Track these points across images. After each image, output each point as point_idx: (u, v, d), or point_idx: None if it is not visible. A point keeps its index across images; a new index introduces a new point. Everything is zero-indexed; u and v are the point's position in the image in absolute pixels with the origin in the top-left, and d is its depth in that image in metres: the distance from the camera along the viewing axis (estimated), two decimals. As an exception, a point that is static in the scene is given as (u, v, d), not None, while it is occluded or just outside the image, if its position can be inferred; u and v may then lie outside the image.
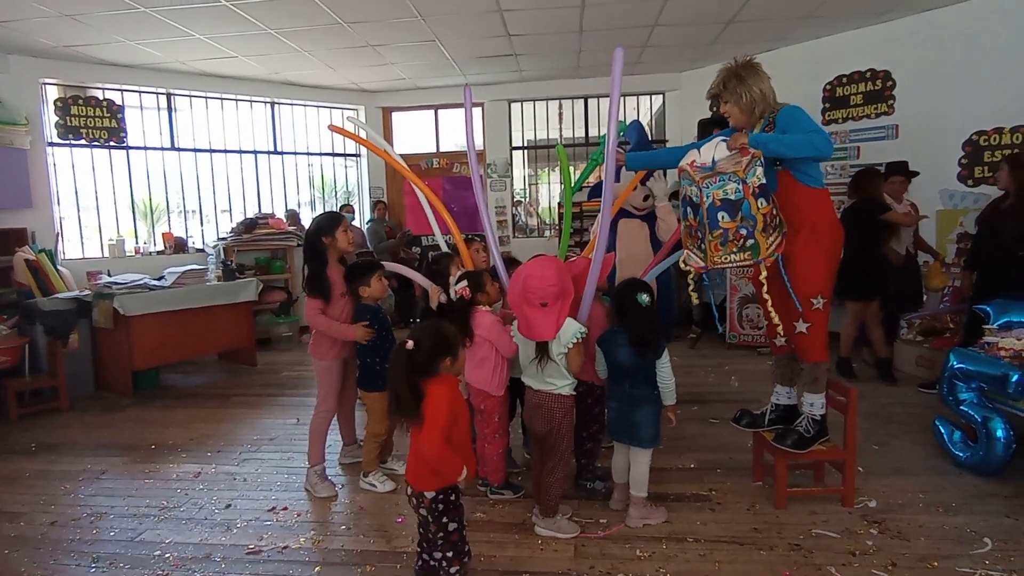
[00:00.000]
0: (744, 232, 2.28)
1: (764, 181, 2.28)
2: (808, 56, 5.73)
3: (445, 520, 1.92)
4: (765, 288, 2.42)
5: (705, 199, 2.29)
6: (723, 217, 2.28)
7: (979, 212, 4.14)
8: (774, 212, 2.35)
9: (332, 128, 3.48)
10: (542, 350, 2.41)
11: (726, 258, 2.32)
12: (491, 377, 2.69)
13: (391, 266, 3.30)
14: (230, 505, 2.87)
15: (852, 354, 4.59)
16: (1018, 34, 4.50)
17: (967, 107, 4.80)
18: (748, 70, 2.47)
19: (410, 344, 1.87)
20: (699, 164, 2.38)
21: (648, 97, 7.42)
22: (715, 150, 2.38)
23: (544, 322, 2.38)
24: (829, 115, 5.68)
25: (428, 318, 2.82)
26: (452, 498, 1.93)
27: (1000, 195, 3.88)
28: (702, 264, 2.40)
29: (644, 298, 2.45)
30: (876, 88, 5.37)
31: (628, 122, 3.95)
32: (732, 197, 2.26)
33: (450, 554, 1.93)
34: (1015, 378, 2.76)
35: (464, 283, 2.63)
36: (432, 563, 1.98)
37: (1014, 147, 4.55)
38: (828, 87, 5.68)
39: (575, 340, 2.38)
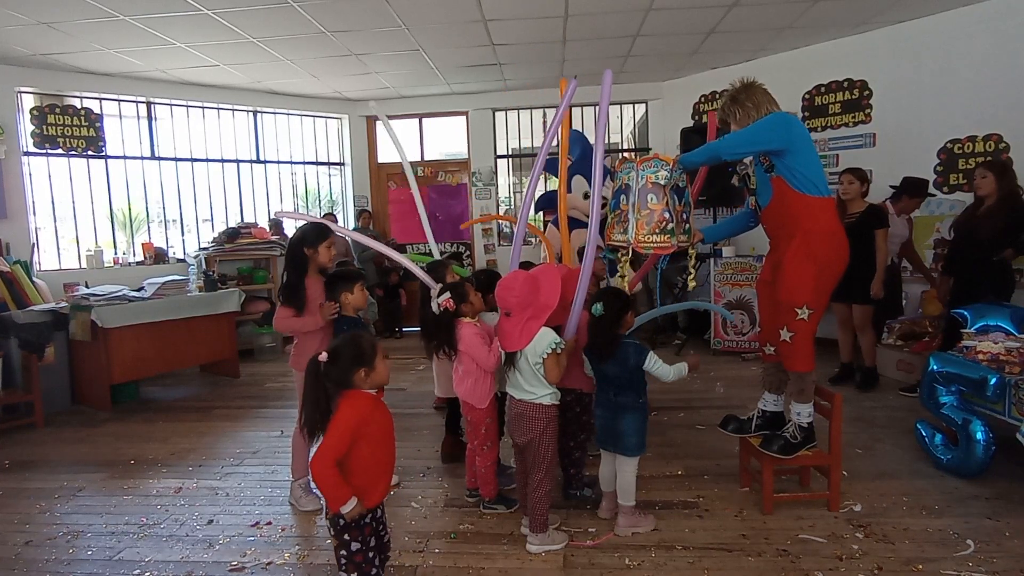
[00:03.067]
0: (667, 215, 2.54)
1: (663, 184, 2.51)
2: (787, 66, 5.84)
3: (347, 537, 1.79)
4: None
5: (640, 180, 2.56)
6: (651, 199, 2.55)
7: (954, 218, 4.23)
8: (666, 216, 2.52)
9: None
10: (509, 358, 2.46)
11: (648, 238, 2.54)
12: (474, 389, 2.65)
13: (420, 275, 3.14)
14: (212, 521, 2.81)
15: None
16: (990, 45, 4.63)
17: (941, 116, 4.92)
18: (742, 90, 2.64)
19: (323, 356, 1.78)
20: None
21: (631, 106, 7.49)
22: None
23: (509, 332, 2.44)
24: (809, 124, 5.77)
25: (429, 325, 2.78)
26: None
27: (973, 201, 3.96)
28: (625, 246, 2.62)
29: (597, 307, 2.44)
30: (854, 97, 5.48)
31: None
32: (662, 182, 2.54)
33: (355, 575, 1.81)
34: (993, 381, 2.81)
35: (447, 295, 2.59)
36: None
37: (987, 155, 4.66)
38: (807, 96, 5.79)
39: (550, 350, 2.37)
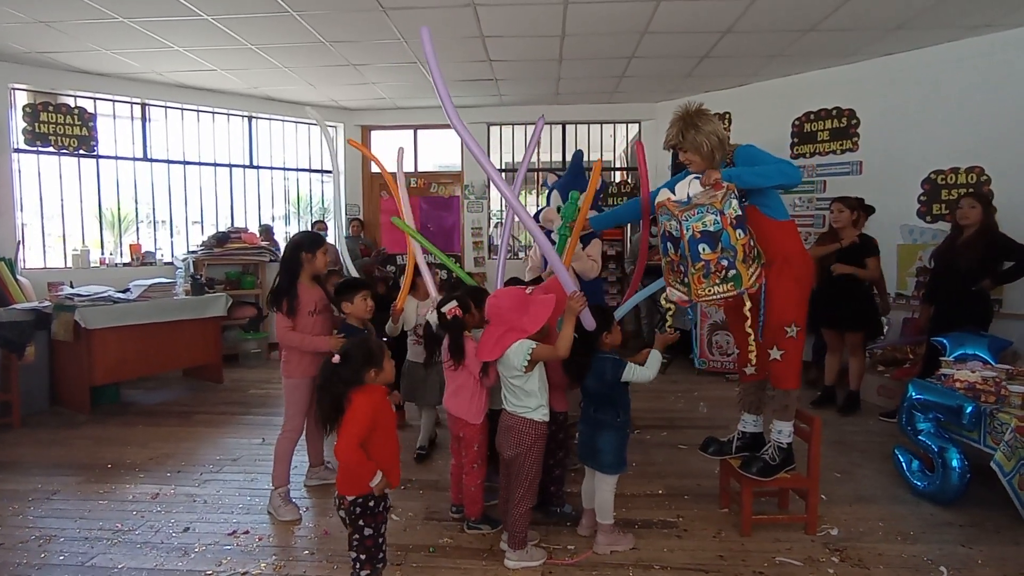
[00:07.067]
0: (725, 263, 2.31)
1: (740, 212, 2.34)
2: (779, 92, 5.95)
3: (361, 523, 2.00)
4: (748, 322, 2.48)
5: (686, 232, 2.31)
6: (704, 249, 2.30)
7: (935, 247, 4.30)
8: (751, 243, 2.40)
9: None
10: (484, 368, 2.53)
11: (710, 290, 2.33)
12: (468, 405, 2.62)
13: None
14: (188, 528, 2.77)
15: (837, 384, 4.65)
16: (973, 81, 4.75)
17: (926, 147, 5.02)
18: (701, 117, 2.51)
19: (336, 358, 2.01)
20: (675, 200, 2.42)
21: (624, 126, 7.59)
22: (689, 187, 2.45)
23: (485, 341, 2.48)
24: (797, 149, 5.88)
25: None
26: (371, 504, 2.00)
27: (952, 232, 4.03)
28: (686, 298, 2.43)
29: None
30: (842, 125, 5.59)
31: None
32: (711, 228, 2.28)
33: (363, 557, 2.02)
34: (969, 409, 2.86)
35: (454, 303, 2.57)
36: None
37: (969, 186, 4.76)
38: (797, 122, 5.90)
39: (528, 359, 2.36)
